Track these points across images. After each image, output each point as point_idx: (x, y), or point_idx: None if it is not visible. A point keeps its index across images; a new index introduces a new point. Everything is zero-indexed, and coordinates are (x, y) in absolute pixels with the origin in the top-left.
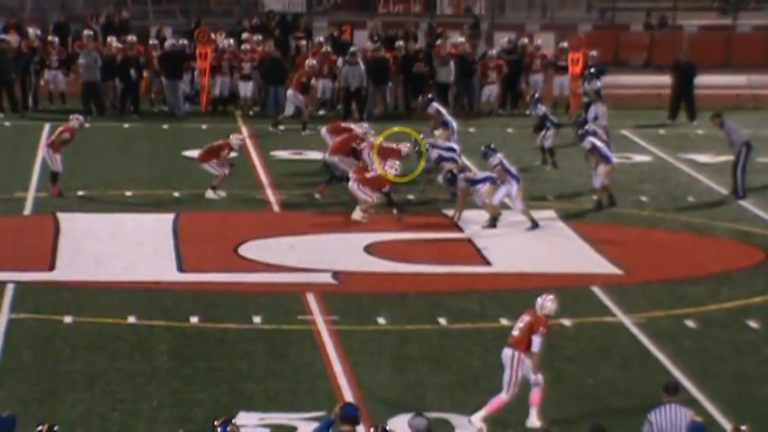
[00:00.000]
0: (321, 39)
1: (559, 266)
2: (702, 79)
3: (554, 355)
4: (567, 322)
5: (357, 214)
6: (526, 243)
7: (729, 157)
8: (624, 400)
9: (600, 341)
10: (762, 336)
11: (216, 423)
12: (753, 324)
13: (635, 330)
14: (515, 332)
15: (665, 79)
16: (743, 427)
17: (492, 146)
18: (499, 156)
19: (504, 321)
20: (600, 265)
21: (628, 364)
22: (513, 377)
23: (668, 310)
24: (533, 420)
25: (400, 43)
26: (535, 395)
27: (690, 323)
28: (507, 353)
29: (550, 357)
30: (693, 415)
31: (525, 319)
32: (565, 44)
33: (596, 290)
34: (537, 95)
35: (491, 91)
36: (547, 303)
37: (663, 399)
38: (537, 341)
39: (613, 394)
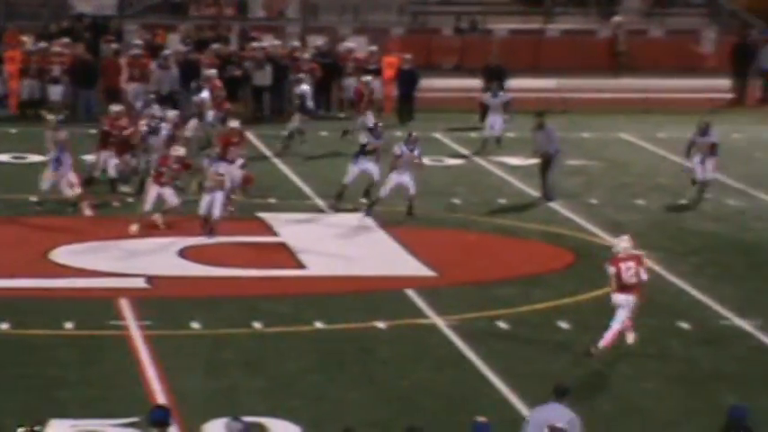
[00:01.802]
0: (134, 42)
1: (373, 269)
2: (512, 82)
3: (368, 358)
4: (380, 325)
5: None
6: (340, 246)
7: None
8: (438, 402)
9: (413, 343)
10: (572, 336)
11: (19, 431)
12: (563, 325)
13: (448, 332)
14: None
15: (476, 82)
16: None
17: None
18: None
19: (318, 324)
20: (413, 267)
21: (441, 366)
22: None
23: (480, 311)
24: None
25: (214, 46)
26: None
27: (502, 324)
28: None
29: (364, 360)
30: (575, 418)
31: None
32: (375, 48)
33: (410, 292)
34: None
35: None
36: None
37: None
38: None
39: (427, 396)
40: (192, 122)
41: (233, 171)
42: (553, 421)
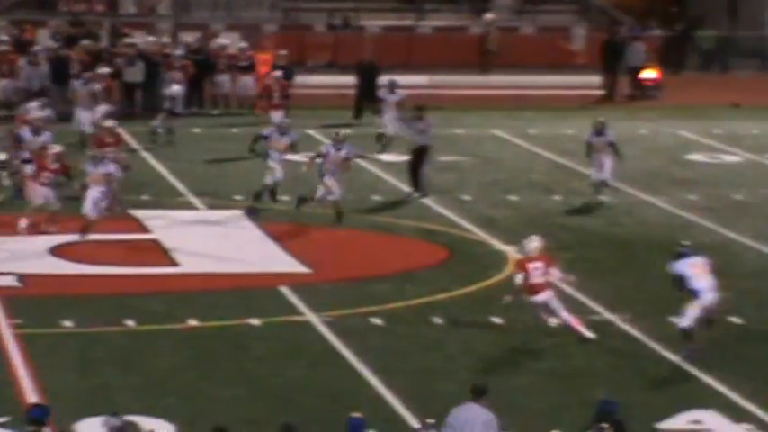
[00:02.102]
0: (1, 38)
1: (247, 266)
2: (385, 79)
3: (243, 355)
4: (255, 322)
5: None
6: (213, 243)
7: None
8: (313, 398)
9: (288, 340)
10: (445, 332)
11: None
12: (437, 320)
13: (323, 329)
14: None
15: (350, 79)
16: (429, 421)
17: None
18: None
19: (191, 322)
20: (287, 264)
21: (316, 363)
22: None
23: (355, 307)
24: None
25: (84, 42)
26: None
27: (376, 320)
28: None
29: (238, 357)
30: (493, 419)
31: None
32: (245, 44)
33: (284, 289)
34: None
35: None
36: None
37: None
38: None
39: (302, 392)
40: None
41: (112, 170)
42: (471, 422)
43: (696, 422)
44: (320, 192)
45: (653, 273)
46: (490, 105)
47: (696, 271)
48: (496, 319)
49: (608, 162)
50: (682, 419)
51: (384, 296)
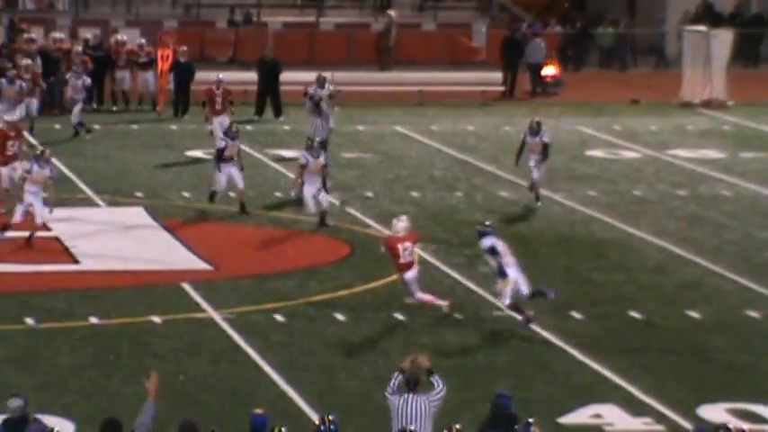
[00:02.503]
0: None
1: (149, 264)
2: (287, 76)
3: (144, 353)
4: (156, 319)
5: None
6: (115, 241)
7: None
8: (215, 396)
9: (190, 337)
10: (348, 328)
11: None
12: (339, 317)
13: (225, 326)
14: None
15: (252, 75)
16: (331, 417)
17: None
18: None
19: (93, 320)
20: (189, 261)
21: (218, 360)
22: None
23: (258, 304)
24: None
25: None
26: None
27: (279, 317)
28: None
29: (140, 354)
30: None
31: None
32: (143, 40)
33: (186, 286)
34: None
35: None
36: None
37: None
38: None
39: (205, 390)
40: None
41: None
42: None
43: (596, 416)
44: (310, 206)
45: (553, 268)
46: (392, 102)
47: (502, 250)
48: (399, 316)
49: (542, 163)
50: (582, 414)
51: (286, 293)
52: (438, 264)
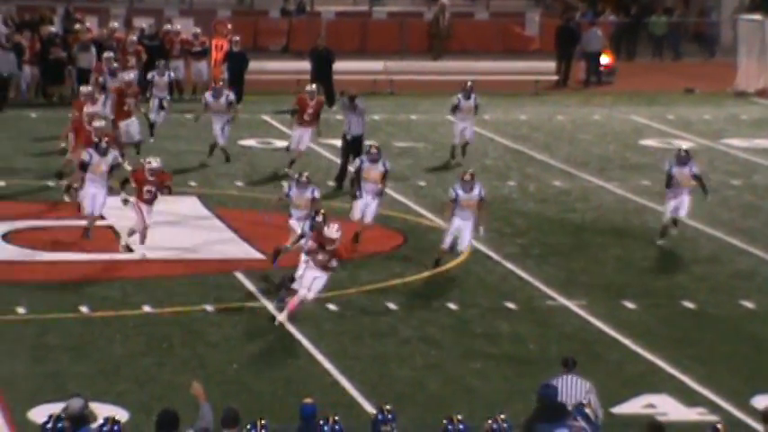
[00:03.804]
0: None
1: (202, 253)
2: (340, 65)
3: (197, 341)
4: (210, 308)
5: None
6: (169, 230)
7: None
8: (267, 384)
9: (243, 326)
10: (399, 317)
11: None
12: (391, 306)
13: (277, 314)
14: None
15: (304, 65)
16: (388, 407)
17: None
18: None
19: (146, 308)
20: (243, 250)
21: (271, 349)
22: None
23: None
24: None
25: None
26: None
27: (331, 306)
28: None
29: (193, 343)
30: (590, 386)
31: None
32: (198, 30)
33: (239, 275)
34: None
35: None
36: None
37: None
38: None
39: (257, 378)
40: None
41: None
42: (573, 389)
43: (650, 406)
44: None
45: (606, 258)
46: (445, 91)
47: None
48: (451, 305)
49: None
50: (635, 404)
51: (339, 282)
52: (491, 253)
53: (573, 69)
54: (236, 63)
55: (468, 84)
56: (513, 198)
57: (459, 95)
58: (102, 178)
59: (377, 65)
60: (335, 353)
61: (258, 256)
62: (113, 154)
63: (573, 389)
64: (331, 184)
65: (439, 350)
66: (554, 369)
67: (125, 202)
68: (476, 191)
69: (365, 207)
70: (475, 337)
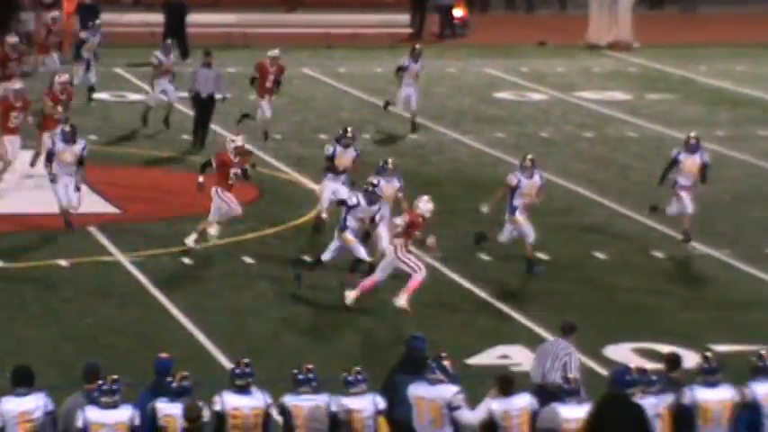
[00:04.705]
0: None
1: (55, 207)
2: (193, 18)
3: (51, 296)
4: (63, 263)
5: None
6: (20, 185)
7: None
8: (122, 339)
9: (97, 281)
10: (256, 271)
11: None
12: (248, 259)
13: (132, 269)
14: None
15: (158, 17)
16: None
17: None
18: None
19: None
20: (97, 204)
21: (125, 303)
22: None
23: (165, 247)
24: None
25: None
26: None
27: (186, 260)
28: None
29: (47, 298)
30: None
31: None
32: None
33: (93, 229)
34: None
35: None
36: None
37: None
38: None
39: (111, 333)
40: None
41: None
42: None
43: (504, 357)
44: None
45: (462, 210)
46: (300, 44)
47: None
48: (308, 258)
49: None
50: (490, 355)
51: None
52: None
53: (427, 22)
54: (86, 15)
55: (417, 46)
56: (369, 151)
57: (407, 57)
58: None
59: (231, 17)
60: (191, 307)
61: (112, 209)
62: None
63: (554, 349)
64: (186, 137)
65: (294, 303)
66: (409, 322)
67: (200, 186)
68: (536, 177)
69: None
70: (330, 290)
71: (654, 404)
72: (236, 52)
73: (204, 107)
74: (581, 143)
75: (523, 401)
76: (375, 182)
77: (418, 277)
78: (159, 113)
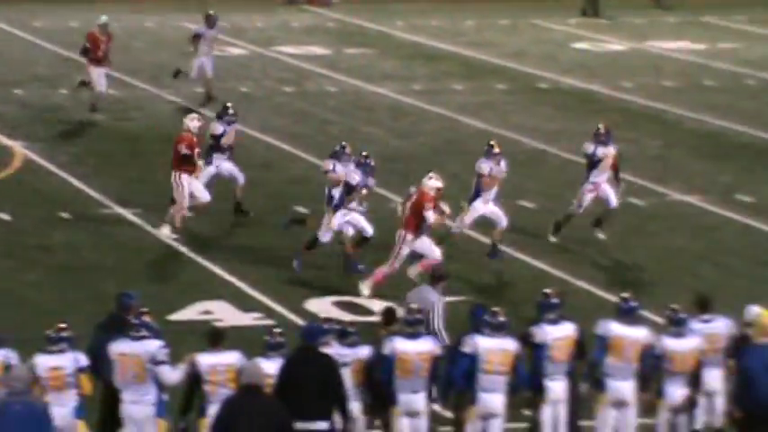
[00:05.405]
0: None
1: None
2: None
3: None
4: None
5: None
6: None
7: None
8: None
9: None
10: None
11: None
12: None
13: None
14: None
15: None
16: None
17: None
18: None
19: None
20: None
21: None
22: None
23: None
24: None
25: None
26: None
27: None
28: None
29: None
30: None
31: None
32: None
33: None
34: None
35: None
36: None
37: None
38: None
39: None
40: None
41: None
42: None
43: (206, 312)
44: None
45: (161, 166)
46: None
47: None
48: (4, 216)
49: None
50: (192, 311)
51: None
52: (45, 163)
53: None
54: None
55: (211, 11)
56: (66, 107)
57: (203, 24)
58: None
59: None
60: None
61: None
62: None
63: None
64: None
65: None
66: (109, 279)
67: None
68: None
69: None
70: (28, 249)
71: (343, 354)
72: None
73: None
74: (281, 98)
75: (232, 357)
76: (366, 154)
77: (385, 269)
78: None
